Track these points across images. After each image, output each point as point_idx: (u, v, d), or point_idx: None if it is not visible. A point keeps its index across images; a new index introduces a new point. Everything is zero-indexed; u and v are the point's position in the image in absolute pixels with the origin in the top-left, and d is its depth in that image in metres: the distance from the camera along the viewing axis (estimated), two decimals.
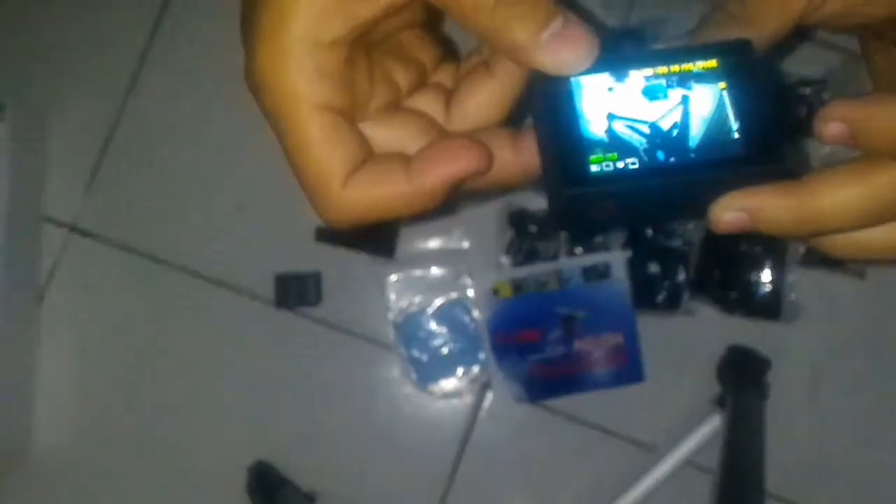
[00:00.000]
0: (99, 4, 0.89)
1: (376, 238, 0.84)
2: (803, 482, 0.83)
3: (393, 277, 0.84)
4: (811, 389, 0.84)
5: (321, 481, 0.83)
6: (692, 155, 0.26)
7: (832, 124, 0.26)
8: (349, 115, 0.27)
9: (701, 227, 0.83)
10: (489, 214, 0.84)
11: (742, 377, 0.81)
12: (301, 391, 0.85)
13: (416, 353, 0.84)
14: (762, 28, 0.28)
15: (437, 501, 0.84)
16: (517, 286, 0.82)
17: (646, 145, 0.26)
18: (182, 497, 0.85)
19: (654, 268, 0.83)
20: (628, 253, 0.82)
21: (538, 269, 0.82)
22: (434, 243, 0.85)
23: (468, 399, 0.84)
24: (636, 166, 0.26)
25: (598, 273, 0.82)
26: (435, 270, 0.84)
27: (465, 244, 0.85)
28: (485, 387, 0.84)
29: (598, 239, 0.82)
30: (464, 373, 0.84)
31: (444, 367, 0.84)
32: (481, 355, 0.83)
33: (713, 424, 0.80)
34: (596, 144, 0.26)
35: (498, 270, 0.83)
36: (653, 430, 0.83)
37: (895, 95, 0.26)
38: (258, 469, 0.82)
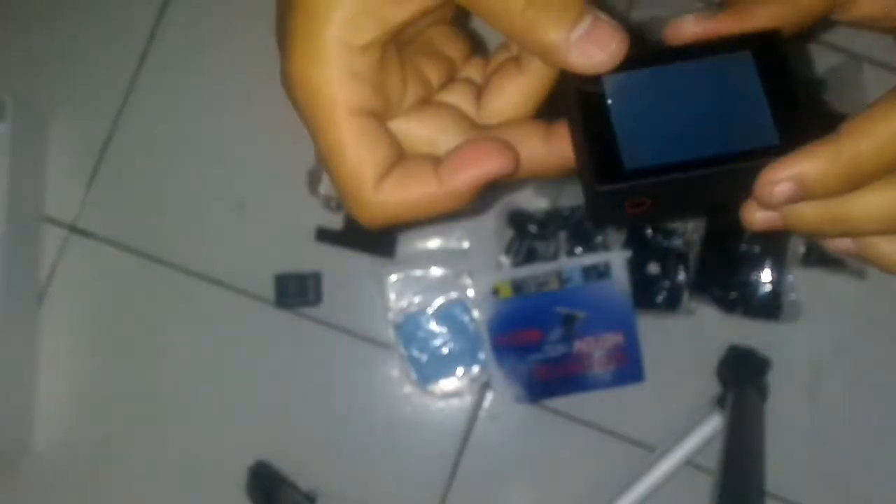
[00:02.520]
0: (99, 5, 0.89)
1: (376, 238, 0.84)
2: (803, 482, 0.83)
3: (393, 277, 0.84)
4: (811, 389, 0.84)
5: (321, 481, 0.83)
6: (727, 145, 0.26)
7: (779, 188, 0.26)
8: (382, 116, 0.28)
9: (701, 227, 0.83)
10: (489, 214, 0.84)
11: (742, 377, 0.81)
12: (301, 391, 0.85)
13: (416, 353, 0.84)
14: (797, 2, 0.28)
15: (437, 501, 0.84)
16: (517, 286, 0.82)
17: (680, 138, 0.26)
18: (182, 497, 0.85)
19: (654, 268, 0.83)
20: (628, 253, 0.82)
21: (538, 269, 0.82)
22: (434, 243, 0.85)
23: (468, 399, 0.84)
24: (671, 160, 0.26)
25: (598, 273, 0.82)
26: (435, 270, 0.84)
27: (465, 244, 0.85)
28: (485, 387, 0.84)
29: (598, 239, 0.83)
30: (464, 373, 0.84)
31: (444, 367, 0.84)
32: (481, 355, 0.83)
33: (713, 424, 0.80)
34: (629, 139, 0.26)
35: (498, 270, 0.83)
36: (653, 430, 0.83)
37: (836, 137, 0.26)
38: (258, 469, 0.82)
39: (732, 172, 0.26)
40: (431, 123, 0.29)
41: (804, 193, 0.26)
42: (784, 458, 0.80)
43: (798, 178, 0.25)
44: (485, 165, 0.27)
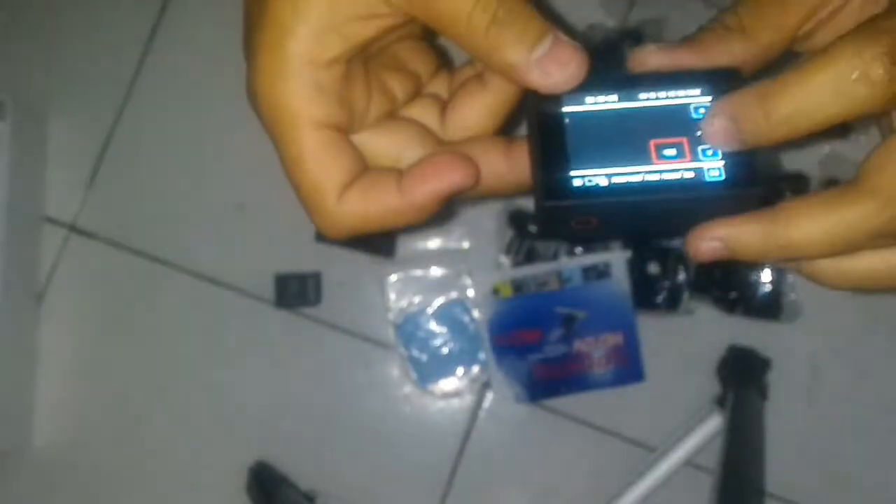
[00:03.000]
0: (99, 5, 0.89)
1: (376, 238, 0.84)
2: (803, 482, 0.83)
3: (393, 277, 0.84)
4: (811, 389, 0.84)
5: (321, 481, 0.83)
6: (674, 177, 0.27)
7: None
8: (345, 129, 0.28)
9: None
10: (489, 214, 0.84)
11: (742, 377, 0.81)
12: (301, 391, 0.85)
13: (416, 353, 0.84)
14: (757, 40, 0.28)
15: (437, 501, 0.84)
16: (517, 286, 0.82)
17: (630, 163, 0.27)
18: (182, 497, 0.85)
19: (654, 268, 0.83)
20: (628, 253, 0.82)
21: (538, 269, 0.82)
22: (434, 243, 0.85)
23: (468, 399, 0.84)
24: (618, 183, 0.27)
25: (598, 273, 0.82)
26: (435, 270, 0.84)
27: (465, 244, 0.85)
28: (485, 387, 0.84)
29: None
30: (464, 373, 0.84)
31: (444, 367, 0.84)
32: (481, 355, 0.83)
33: (713, 424, 0.80)
34: (580, 160, 0.27)
35: (498, 270, 0.83)
36: (653, 430, 0.83)
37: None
38: (258, 469, 0.82)
39: (677, 203, 0.27)
40: (395, 138, 0.29)
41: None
42: (784, 458, 0.80)
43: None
44: (446, 179, 0.27)
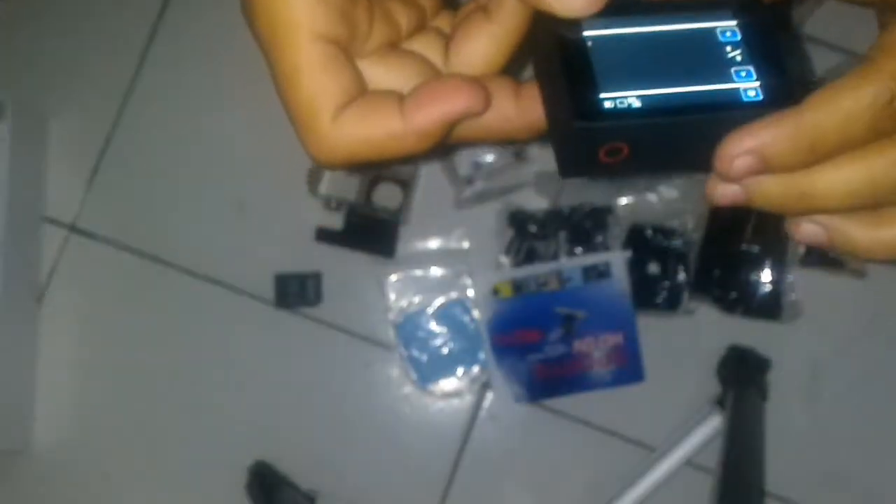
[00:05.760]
0: (99, 4, 0.89)
1: (376, 238, 0.84)
2: (803, 482, 0.83)
3: (393, 277, 0.84)
4: (811, 389, 0.84)
5: (321, 481, 0.83)
6: (709, 98, 0.26)
7: (738, 161, 0.25)
8: (345, 47, 0.26)
9: (701, 227, 0.83)
10: (489, 214, 0.84)
11: (742, 377, 0.81)
12: (301, 391, 0.85)
13: (416, 353, 0.84)
14: None
15: (437, 501, 0.84)
16: (517, 286, 0.82)
17: (661, 86, 0.26)
18: (182, 497, 0.85)
19: (654, 268, 0.83)
20: (628, 253, 0.82)
21: (538, 269, 0.82)
22: (434, 243, 0.85)
23: (468, 399, 0.84)
24: (652, 105, 0.25)
25: (598, 273, 0.82)
26: (435, 270, 0.84)
27: (465, 244, 0.85)
28: (485, 387, 0.84)
29: (598, 239, 0.82)
30: (464, 373, 0.84)
31: (444, 367, 0.84)
32: (481, 355, 0.83)
33: (713, 424, 0.80)
34: (608, 82, 0.25)
35: (498, 270, 0.83)
36: (653, 430, 0.83)
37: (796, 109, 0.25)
38: (258, 469, 0.82)
39: (712, 123, 0.26)
40: (396, 69, 0.28)
41: (764, 167, 0.25)
42: (784, 458, 0.80)
43: (758, 150, 0.25)
44: (453, 102, 0.25)
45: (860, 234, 0.27)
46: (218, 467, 0.84)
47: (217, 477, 0.84)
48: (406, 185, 0.84)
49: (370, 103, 0.26)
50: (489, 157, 0.83)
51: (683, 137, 0.26)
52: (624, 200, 0.83)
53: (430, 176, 0.85)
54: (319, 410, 0.85)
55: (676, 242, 0.83)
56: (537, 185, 0.84)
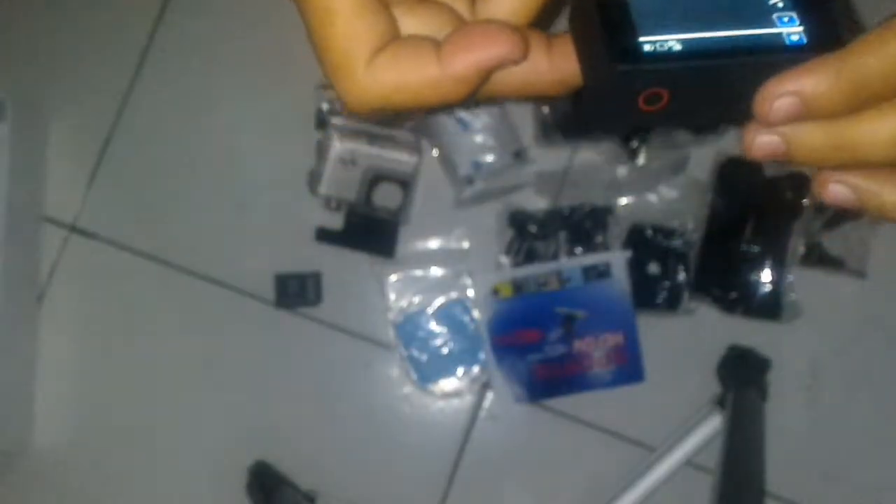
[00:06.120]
0: (99, 4, 0.89)
1: (376, 238, 0.84)
2: (803, 482, 0.83)
3: (393, 277, 0.84)
4: (811, 389, 0.84)
5: (321, 481, 0.83)
6: (751, 41, 0.25)
7: (779, 102, 0.24)
8: None
9: (701, 227, 0.83)
10: (489, 214, 0.84)
11: (742, 377, 0.81)
12: (301, 391, 0.85)
13: (416, 353, 0.84)
14: None
15: (437, 501, 0.84)
16: (517, 286, 0.82)
17: (702, 28, 0.25)
18: (182, 497, 0.85)
19: (654, 268, 0.83)
20: (628, 253, 0.82)
21: (538, 269, 0.82)
22: (434, 243, 0.85)
23: (468, 399, 0.84)
24: (694, 48, 0.25)
25: (598, 273, 0.82)
26: (435, 270, 0.84)
27: (465, 244, 0.85)
28: (485, 387, 0.84)
29: (598, 239, 0.82)
30: (464, 373, 0.84)
31: (444, 367, 0.84)
32: (481, 355, 0.83)
33: (713, 424, 0.80)
34: (647, 26, 0.25)
35: (498, 270, 0.83)
36: (653, 430, 0.83)
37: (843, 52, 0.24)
38: (258, 469, 0.82)
39: (754, 67, 0.25)
40: (426, 19, 0.27)
41: (805, 111, 0.24)
42: (784, 458, 0.80)
43: (800, 92, 0.24)
44: (493, 48, 0.25)
45: (892, 194, 0.26)
46: (218, 467, 0.84)
47: (217, 477, 0.84)
48: (406, 185, 0.84)
49: (405, 48, 0.25)
50: (489, 157, 0.83)
51: (725, 83, 0.26)
52: (624, 200, 0.83)
53: (430, 176, 0.85)
54: (319, 410, 0.85)
55: (676, 242, 0.83)
56: (537, 185, 0.84)
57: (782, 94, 0.24)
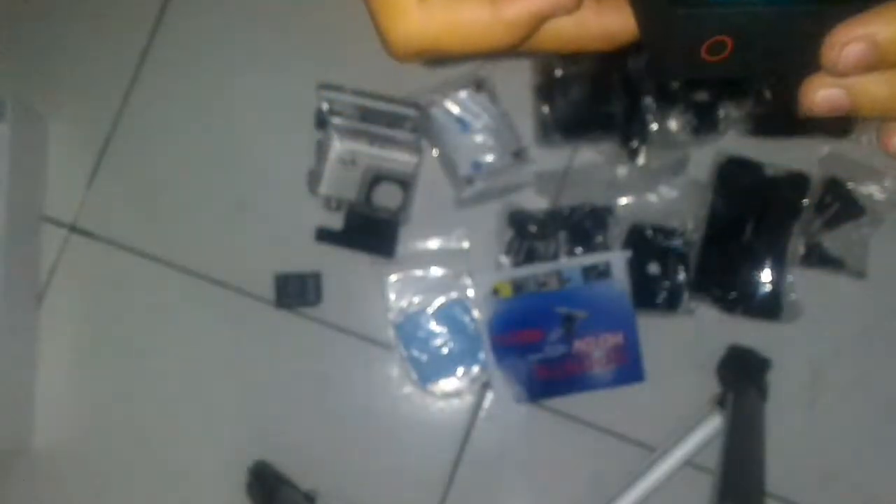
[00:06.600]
0: (99, 5, 0.89)
1: (376, 238, 0.84)
2: (803, 482, 0.83)
3: (393, 277, 0.84)
4: (811, 389, 0.84)
5: (321, 481, 0.83)
6: None
7: (848, 49, 0.23)
8: None
9: (701, 227, 0.83)
10: (489, 214, 0.84)
11: (742, 377, 0.81)
12: (301, 391, 0.85)
13: (416, 353, 0.84)
14: None
15: (437, 501, 0.84)
16: (517, 286, 0.82)
17: None
18: (182, 497, 0.85)
19: (654, 268, 0.83)
20: (628, 253, 0.82)
21: (538, 269, 0.82)
22: (434, 243, 0.85)
23: (468, 399, 0.84)
24: None
25: (598, 273, 0.82)
26: (435, 270, 0.84)
27: (465, 244, 0.85)
28: (485, 387, 0.84)
29: (598, 239, 0.82)
30: (464, 373, 0.84)
31: (444, 367, 0.84)
32: (481, 355, 0.83)
33: (713, 424, 0.80)
34: None
35: (498, 270, 0.83)
36: (653, 430, 0.83)
37: None
38: (258, 469, 0.82)
39: (823, 14, 0.23)
40: None
41: (876, 58, 0.23)
42: (784, 458, 0.80)
43: (871, 37, 0.23)
44: None
45: (880, 87, 0.25)
46: (218, 467, 0.84)
47: (217, 477, 0.84)
48: (406, 185, 0.84)
49: None
50: (489, 157, 0.83)
51: (792, 30, 0.24)
52: (624, 200, 0.83)
53: (430, 176, 0.85)
54: (319, 410, 0.85)
55: (676, 242, 0.83)
56: (537, 185, 0.84)
57: (852, 39, 0.23)
